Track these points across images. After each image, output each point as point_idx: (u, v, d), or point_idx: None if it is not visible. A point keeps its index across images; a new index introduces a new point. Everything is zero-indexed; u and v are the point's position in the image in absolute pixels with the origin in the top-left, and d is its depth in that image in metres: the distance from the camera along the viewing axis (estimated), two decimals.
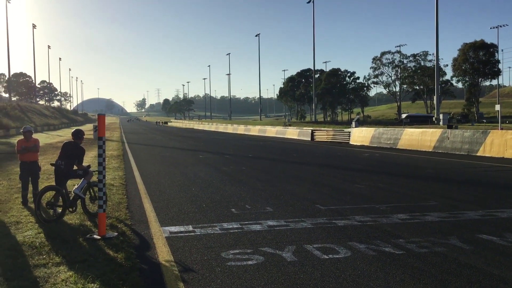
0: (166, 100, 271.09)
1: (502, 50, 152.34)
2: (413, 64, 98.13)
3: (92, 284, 4.55)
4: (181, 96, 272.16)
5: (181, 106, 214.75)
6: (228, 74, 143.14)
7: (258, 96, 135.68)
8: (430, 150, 22.89)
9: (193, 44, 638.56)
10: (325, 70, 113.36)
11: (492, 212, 8.08)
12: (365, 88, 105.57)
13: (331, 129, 41.85)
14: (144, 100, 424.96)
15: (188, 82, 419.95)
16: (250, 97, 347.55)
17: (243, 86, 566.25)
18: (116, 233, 6.66)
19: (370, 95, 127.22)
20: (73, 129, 8.78)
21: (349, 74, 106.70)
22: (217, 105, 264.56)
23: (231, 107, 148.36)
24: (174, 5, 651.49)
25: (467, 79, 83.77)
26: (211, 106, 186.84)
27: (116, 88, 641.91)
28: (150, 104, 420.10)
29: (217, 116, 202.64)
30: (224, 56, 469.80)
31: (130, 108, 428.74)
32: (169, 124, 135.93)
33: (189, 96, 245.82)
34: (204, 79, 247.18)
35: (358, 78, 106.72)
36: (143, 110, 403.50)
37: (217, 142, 36.53)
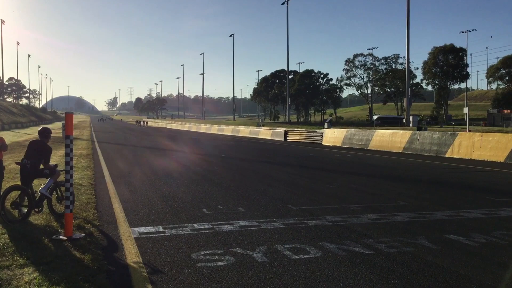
0: (138, 99, 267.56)
1: (470, 54, 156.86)
2: (385, 66, 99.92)
3: (57, 287, 4.41)
4: (153, 95, 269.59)
5: (153, 105, 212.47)
6: (202, 74, 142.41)
7: (232, 96, 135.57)
8: (400, 151, 23.28)
9: (167, 43, 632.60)
10: (298, 71, 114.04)
11: (459, 212, 8.26)
12: (337, 90, 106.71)
13: (304, 129, 42.11)
14: (115, 98, 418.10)
15: (161, 81, 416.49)
16: (224, 97, 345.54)
17: (217, 86, 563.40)
18: (83, 234, 6.50)
19: (343, 96, 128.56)
20: (41, 127, 8.53)
21: (322, 76, 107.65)
22: (190, 104, 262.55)
23: (205, 107, 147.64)
24: (147, 3, 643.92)
25: (436, 82, 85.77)
26: (184, 106, 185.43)
27: (87, 86, 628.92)
28: (122, 103, 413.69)
29: (191, 116, 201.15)
30: (198, 56, 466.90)
31: (101, 106, 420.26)
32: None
33: (162, 95, 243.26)
34: (178, 78, 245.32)
35: (331, 79, 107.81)
36: (115, 108, 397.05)
37: (190, 142, 36.27)
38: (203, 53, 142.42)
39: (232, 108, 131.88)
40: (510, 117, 67.38)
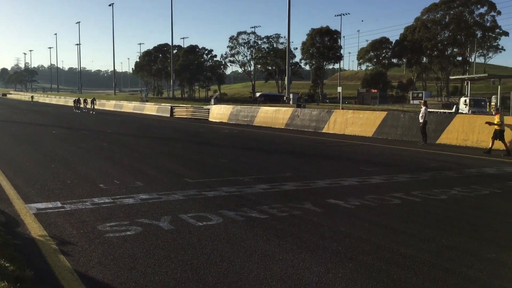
0: (3, 70, 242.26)
1: (343, 37, 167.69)
2: (267, 45, 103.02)
3: None
4: (22, 65, 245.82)
5: (22, 76, 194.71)
6: (77, 44, 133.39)
7: (112, 69, 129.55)
8: (283, 127, 24.76)
9: (37, 8, 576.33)
10: (183, 46, 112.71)
11: (337, 180, 9.37)
12: (222, 66, 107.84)
13: (190, 105, 42.26)
14: None
15: (30, 50, 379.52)
16: (103, 70, 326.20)
17: (95, 58, 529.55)
18: None
19: (227, 73, 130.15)
20: None
21: (206, 52, 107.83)
22: (65, 77, 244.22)
23: (82, 80, 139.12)
24: None
25: (313, 62, 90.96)
26: (58, 78, 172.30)
27: None
28: None
29: (65, 89, 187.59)
30: (73, 25, 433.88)
31: None
32: (8, 96, 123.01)
33: (32, 66, 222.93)
34: (50, 48, 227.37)
35: (216, 56, 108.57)
36: None
37: (69, 117, 34.41)
38: (79, 22, 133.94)
39: (112, 82, 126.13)
40: (377, 96, 74.26)
